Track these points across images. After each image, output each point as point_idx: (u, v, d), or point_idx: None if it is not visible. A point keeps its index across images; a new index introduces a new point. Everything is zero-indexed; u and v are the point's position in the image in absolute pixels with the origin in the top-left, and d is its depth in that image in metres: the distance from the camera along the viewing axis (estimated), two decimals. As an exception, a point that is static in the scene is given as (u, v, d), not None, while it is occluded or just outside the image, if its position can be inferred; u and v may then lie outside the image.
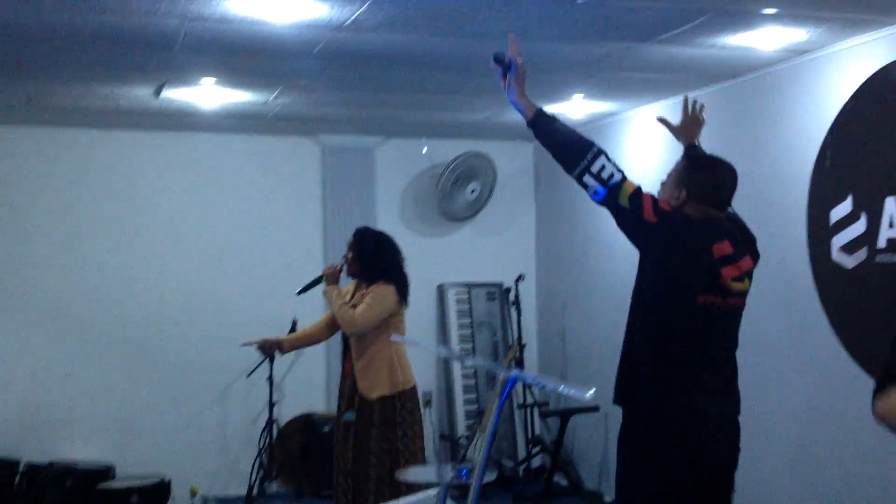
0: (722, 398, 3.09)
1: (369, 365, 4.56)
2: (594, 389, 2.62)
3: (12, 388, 6.11)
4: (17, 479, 5.66)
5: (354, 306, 4.55)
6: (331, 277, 4.66)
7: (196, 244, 6.56)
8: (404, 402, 4.59)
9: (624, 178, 2.94)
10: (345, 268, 4.70)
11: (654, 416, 3.02)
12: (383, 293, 4.55)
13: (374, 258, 4.64)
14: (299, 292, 4.86)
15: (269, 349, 4.96)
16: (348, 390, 4.64)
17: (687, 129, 3.50)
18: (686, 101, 3.54)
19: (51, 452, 5.98)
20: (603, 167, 2.91)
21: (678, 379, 3.01)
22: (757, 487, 4.90)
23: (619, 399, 3.12)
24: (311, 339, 5.00)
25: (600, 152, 2.94)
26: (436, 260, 6.93)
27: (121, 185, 6.43)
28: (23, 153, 6.25)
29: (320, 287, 4.77)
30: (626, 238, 3.07)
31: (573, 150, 2.95)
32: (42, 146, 6.28)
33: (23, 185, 6.24)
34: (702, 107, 3.53)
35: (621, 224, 2.99)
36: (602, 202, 2.95)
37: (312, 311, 6.50)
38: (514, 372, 2.79)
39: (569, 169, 2.95)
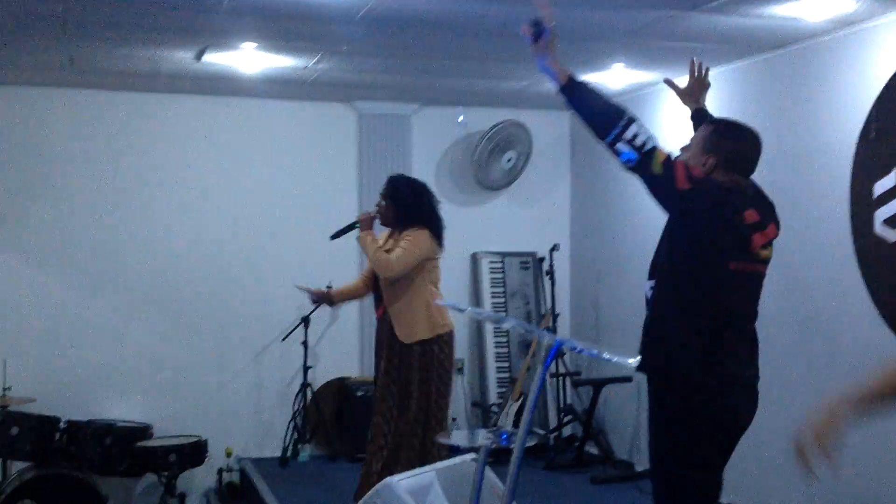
0: (747, 363, 3.16)
1: (406, 309, 4.58)
2: (639, 357, 2.65)
3: (54, 348, 6.22)
4: (58, 435, 5.75)
5: (389, 251, 4.57)
6: (365, 223, 4.67)
7: (232, 208, 6.61)
8: (442, 346, 4.62)
9: (656, 145, 2.95)
10: (378, 215, 4.72)
11: (688, 381, 3.07)
12: (418, 237, 4.57)
13: (408, 203, 4.66)
14: (333, 237, 4.87)
15: (320, 299, 5.02)
16: (386, 335, 4.66)
17: (694, 92, 3.54)
18: (692, 63, 3.56)
19: (90, 411, 6.08)
20: (636, 134, 2.91)
21: (710, 344, 3.06)
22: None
23: (647, 365, 3.12)
24: (354, 294, 5.08)
25: (633, 119, 2.94)
26: (470, 229, 6.93)
27: (159, 149, 6.48)
28: (64, 115, 6.31)
29: (354, 238, 4.78)
30: (658, 205, 3.08)
31: (606, 117, 2.95)
32: (83, 109, 6.34)
33: (63, 147, 6.30)
34: (706, 69, 3.55)
35: (654, 191, 3.01)
36: (634, 169, 2.95)
37: (346, 273, 6.59)
38: (559, 338, 2.82)
39: (602, 135, 2.96)
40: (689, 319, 3.07)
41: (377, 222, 4.76)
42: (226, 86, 6.17)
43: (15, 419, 5.64)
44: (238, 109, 6.62)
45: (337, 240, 5.00)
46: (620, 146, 2.91)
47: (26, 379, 5.91)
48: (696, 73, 3.53)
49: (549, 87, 6.17)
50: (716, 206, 3.01)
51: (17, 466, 5.80)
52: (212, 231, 6.56)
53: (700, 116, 3.52)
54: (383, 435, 4.60)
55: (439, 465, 4.08)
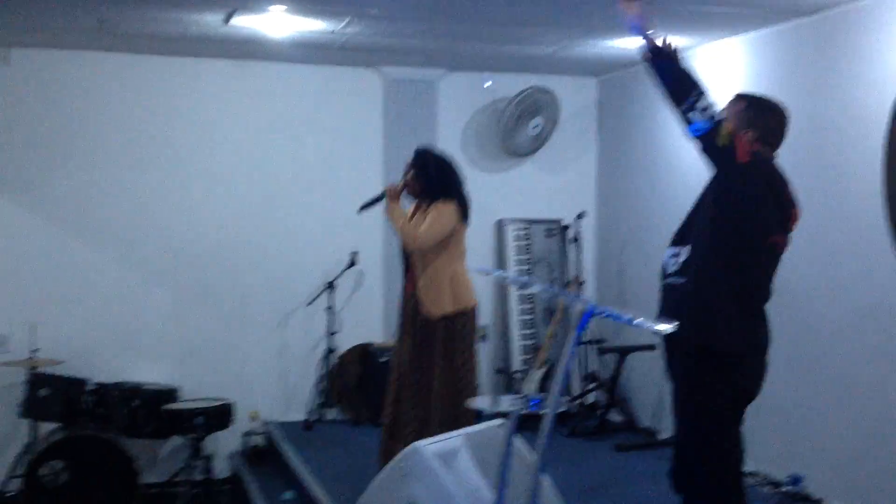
0: (766, 331, 3.32)
1: (432, 283, 4.57)
2: (677, 324, 2.64)
3: (82, 310, 6.25)
4: (86, 397, 5.80)
5: (417, 225, 4.56)
6: (392, 195, 4.66)
7: (258, 172, 6.60)
8: (465, 322, 4.61)
9: (723, 118, 3.11)
10: (405, 187, 4.69)
11: (728, 349, 3.18)
12: (445, 210, 4.56)
13: (435, 176, 4.64)
14: (360, 209, 4.82)
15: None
16: (410, 310, 4.66)
17: None
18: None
19: (117, 373, 6.13)
20: (709, 104, 3.07)
21: (747, 313, 3.21)
22: (839, 445, 4.89)
23: (686, 332, 3.11)
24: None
25: (704, 90, 3.08)
26: (495, 195, 6.90)
27: (186, 113, 6.47)
28: (92, 79, 6.29)
29: (381, 208, 4.76)
30: (715, 174, 3.18)
31: (685, 85, 3.08)
32: (111, 72, 6.32)
33: (92, 111, 6.29)
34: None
35: (714, 161, 3.13)
36: (701, 138, 3.08)
37: (371, 239, 6.60)
38: (592, 304, 2.80)
39: (678, 102, 3.08)
40: (731, 289, 3.16)
41: (404, 194, 4.73)
42: (253, 50, 6.13)
43: (44, 381, 5.71)
44: (265, 74, 6.59)
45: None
46: (693, 115, 3.04)
47: (55, 341, 5.98)
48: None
49: (579, 51, 6.13)
50: (769, 180, 3.17)
51: (43, 428, 5.87)
52: (237, 195, 6.56)
53: None
54: (412, 408, 4.58)
55: (466, 430, 4.09)
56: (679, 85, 3.08)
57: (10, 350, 5.96)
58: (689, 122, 3.06)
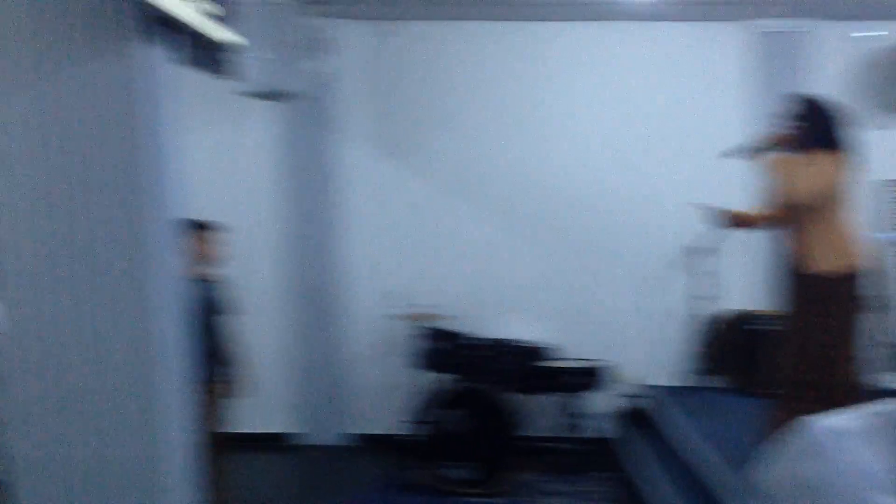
0: None
1: (814, 239, 4.29)
2: None
3: (462, 268, 6.72)
4: (464, 351, 6.12)
5: (795, 177, 4.30)
6: (772, 144, 4.41)
7: (618, 132, 6.67)
8: (847, 283, 4.27)
9: None
10: (785, 137, 4.44)
11: None
12: (828, 162, 4.24)
13: (820, 126, 4.31)
14: (728, 154, 4.55)
15: (734, 223, 4.68)
16: (791, 267, 4.45)
17: None
18: None
19: (494, 329, 6.45)
20: None
21: None
22: None
23: None
24: (769, 220, 4.58)
25: None
26: (876, 154, 6.34)
27: (550, 76, 6.66)
28: (462, 47, 6.68)
29: (747, 160, 4.54)
30: None
31: None
32: (480, 40, 6.66)
33: (461, 78, 6.69)
34: None
35: None
36: None
37: (738, 200, 6.38)
38: None
39: None
40: None
41: (783, 145, 4.47)
42: (617, 10, 6.15)
43: (432, 335, 6.14)
44: (626, 33, 6.61)
45: (729, 164, 4.74)
46: None
47: (438, 297, 6.49)
48: None
49: None
50: None
51: (425, 378, 6.27)
52: (598, 156, 6.68)
53: None
54: (799, 378, 4.40)
55: (861, 408, 3.86)
56: None
57: (397, 305, 6.50)
58: None
